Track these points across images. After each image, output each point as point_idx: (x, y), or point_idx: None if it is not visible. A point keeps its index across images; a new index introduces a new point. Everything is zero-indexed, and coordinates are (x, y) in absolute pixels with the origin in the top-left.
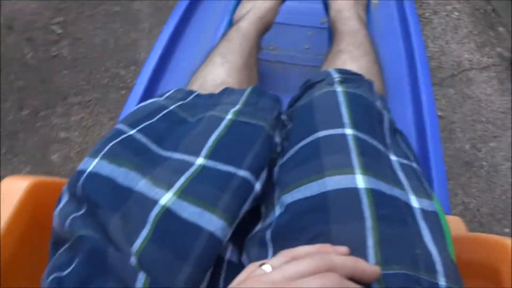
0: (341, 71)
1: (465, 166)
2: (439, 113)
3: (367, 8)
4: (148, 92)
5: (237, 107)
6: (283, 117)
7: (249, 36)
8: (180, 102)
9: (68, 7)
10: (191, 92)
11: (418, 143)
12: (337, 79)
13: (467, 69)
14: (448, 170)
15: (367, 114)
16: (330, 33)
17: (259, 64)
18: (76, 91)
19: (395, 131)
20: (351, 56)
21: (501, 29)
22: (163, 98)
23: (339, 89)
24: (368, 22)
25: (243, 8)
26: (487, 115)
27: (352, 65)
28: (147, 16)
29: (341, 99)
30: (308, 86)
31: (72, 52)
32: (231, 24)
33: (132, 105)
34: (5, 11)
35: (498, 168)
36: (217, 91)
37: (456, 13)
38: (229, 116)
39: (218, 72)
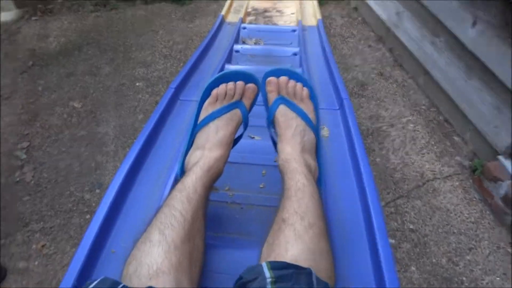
0: (275, 266)
1: (445, 282)
2: (410, 226)
3: (317, 146)
4: (113, 211)
5: None
6: None
7: (194, 196)
8: None
9: (33, 132)
10: (116, 284)
11: None
12: (269, 280)
13: (431, 179)
14: (428, 287)
15: None
16: None
17: (214, 206)
18: (38, 218)
19: None
20: (294, 234)
21: (456, 138)
22: None
23: None
24: (318, 158)
25: (193, 156)
26: (458, 226)
27: (294, 247)
28: (112, 139)
29: None
30: (241, 284)
31: (36, 177)
32: (182, 169)
33: (94, 225)
34: None
35: (478, 283)
36: (148, 283)
37: (411, 125)
38: None
39: (154, 254)
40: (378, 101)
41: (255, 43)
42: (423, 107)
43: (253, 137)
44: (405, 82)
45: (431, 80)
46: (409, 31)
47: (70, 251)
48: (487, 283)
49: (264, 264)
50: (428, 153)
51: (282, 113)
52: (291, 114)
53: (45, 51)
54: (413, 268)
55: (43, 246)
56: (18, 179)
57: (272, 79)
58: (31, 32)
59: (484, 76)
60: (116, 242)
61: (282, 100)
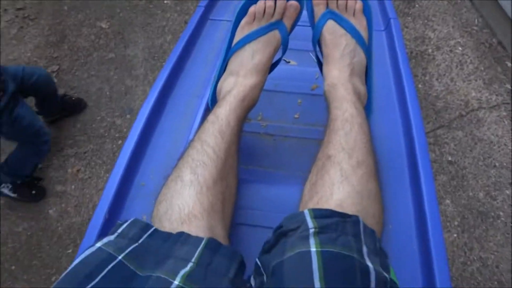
0: (318, 214)
1: (480, 216)
2: (449, 158)
3: (368, 68)
4: (141, 144)
5: (188, 267)
6: (258, 263)
7: (227, 130)
8: (131, 247)
9: (62, 55)
10: (147, 228)
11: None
12: (312, 230)
13: (476, 109)
14: (462, 221)
15: (347, 281)
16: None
17: (246, 137)
18: (72, 143)
19: (385, 285)
20: (341, 174)
21: (509, 64)
22: (114, 236)
23: (313, 248)
24: (368, 81)
25: (226, 82)
26: (500, 159)
27: (341, 189)
28: (141, 62)
29: (315, 266)
30: (282, 233)
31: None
32: (214, 95)
33: (123, 158)
34: (1, 60)
35: None
36: (179, 228)
37: (460, 48)
38: (177, 281)
39: (186, 196)
40: (426, 21)
41: None
42: (475, 27)
43: (289, 62)
44: None
45: None
46: None
47: (104, 176)
48: None
49: (306, 212)
50: (476, 80)
51: (330, 29)
52: (340, 31)
53: None
54: (447, 201)
55: (78, 170)
56: None
57: None
58: None
59: None
60: (145, 174)
61: (331, 14)
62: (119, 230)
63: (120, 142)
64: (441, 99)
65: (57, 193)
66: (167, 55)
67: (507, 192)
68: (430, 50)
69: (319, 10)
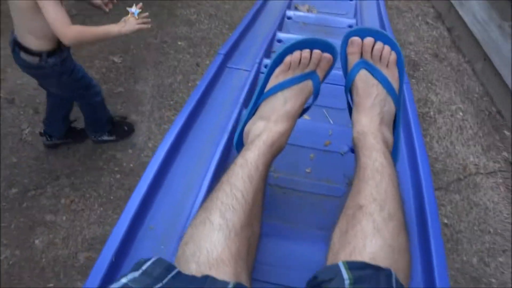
0: (353, 266)
1: (473, 282)
2: (445, 221)
3: (396, 118)
4: (154, 186)
5: None
6: None
7: (255, 175)
8: (156, 286)
9: None
10: (171, 268)
11: None
12: (347, 282)
13: (473, 174)
14: (454, 285)
15: None
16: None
17: None
18: (69, 172)
19: None
20: (373, 226)
21: (507, 133)
22: (139, 273)
23: None
24: (395, 131)
25: (255, 126)
26: (495, 225)
27: (373, 242)
28: (149, 99)
29: None
30: (316, 285)
31: None
32: (240, 137)
33: (135, 200)
34: (8, 85)
35: (507, 286)
36: (207, 271)
37: (460, 113)
38: None
39: (214, 240)
40: (429, 84)
41: (308, 11)
42: (476, 95)
43: (303, 116)
44: (461, 66)
45: (490, 67)
46: (475, 11)
47: (98, 209)
48: None
49: (341, 264)
50: (475, 146)
51: (363, 79)
52: (372, 81)
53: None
54: None
55: (71, 201)
56: None
57: (355, 39)
58: None
59: None
60: (155, 218)
61: (364, 64)
62: (144, 267)
63: (118, 176)
64: (440, 161)
65: (46, 223)
66: (176, 94)
67: (500, 259)
68: (432, 113)
69: (353, 59)
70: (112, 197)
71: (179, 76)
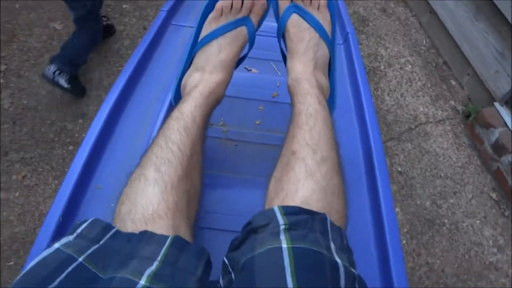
0: (287, 211)
1: (427, 223)
2: (398, 169)
3: (331, 62)
4: (98, 146)
5: (154, 266)
6: (225, 261)
7: (192, 127)
8: (92, 249)
9: (10, 54)
10: (108, 228)
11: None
12: (282, 227)
13: (423, 123)
14: (410, 228)
15: (318, 277)
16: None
17: (208, 142)
18: (18, 147)
19: (354, 280)
20: (306, 170)
21: (453, 82)
22: (73, 236)
23: (284, 244)
24: (331, 75)
25: (191, 78)
26: (446, 170)
27: (305, 186)
28: (96, 66)
29: (287, 262)
30: (251, 230)
31: (15, 104)
32: (178, 91)
33: (79, 160)
34: None
35: (459, 225)
36: (143, 228)
37: (409, 66)
38: (143, 281)
39: (150, 194)
40: (378, 39)
41: None
42: (423, 47)
43: (250, 70)
44: (408, 20)
45: (436, 19)
46: None
47: (52, 183)
48: (467, 226)
49: (276, 209)
50: (424, 96)
51: (294, 23)
52: (304, 25)
53: None
54: (397, 210)
55: (23, 177)
56: None
57: None
58: None
59: (493, 18)
60: (102, 177)
61: (296, 8)
62: (79, 230)
63: (71, 147)
64: (391, 113)
65: None
66: (124, 60)
67: (451, 201)
68: (382, 67)
69: (284, 4)
70: (66, 170)
71: (126, 40)
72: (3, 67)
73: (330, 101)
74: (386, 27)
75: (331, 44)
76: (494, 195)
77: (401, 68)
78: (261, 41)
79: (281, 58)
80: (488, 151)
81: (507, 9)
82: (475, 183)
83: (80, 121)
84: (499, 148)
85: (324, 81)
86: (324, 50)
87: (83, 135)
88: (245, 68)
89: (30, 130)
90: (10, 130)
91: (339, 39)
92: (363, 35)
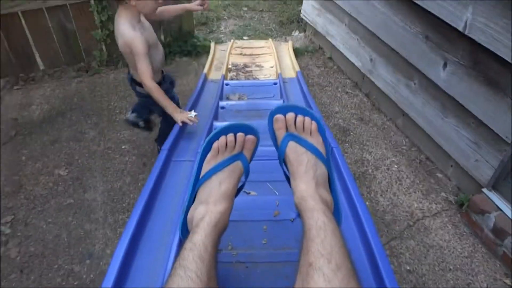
0: None
1: None
2: (407, 267)
3: (330, 179)
4: (118, 282)
5: None
6: None
7: (205, 255)
8: None
9: (17, 204)
10: None
11: None
12: None
13: (421, 218)
14: None
15: None
16: (285, 224)
17: (219, 268)
18: None
19: None
20: (324, 279)
21: (439, 175)
22: None
23: None
24: (332, 190)
25: (197, 211)
26: (453, 262)
27: None
28: (100, 205)
29: None
30: None
31: (22, 252)
32: (184, 225)
33: None
34: None
35: None
36: None
37: (395, 166)
38: None
39: None
40: (361, 145)
41: (239, 99)
42: (404, 147)
43: (249, 193)
44: (385, 124)
45: (409, 121)
46: (384, 76)
47: None
48: None
49: None
50: (415, 192)
51: (292, 149)
52: (301, 150)
53: (28, 119)
54: None
55: None
56: (2, 255)
57: (279, 116)
58: (14, 102)
59: (460, 114)
60: None
61: (291, 136)
62: None
63: None
64: (388, 212)
65: None
66: (127, 196)
67: None
68: (370, 170)
69: (280, 134)
70: None
71: (128, 178)
72: (9, 218)
73: (336, 213)
74: (366, 134)
75: (327, 162)
76: (508, 281)
77: (388, 169)
78: (256, 165)
79: (276, 178)
80: (489, 237)
81: (469, 104)
82: (486, 271)
83: (87, 261)
84: (499, 232)
85: (327, 195)
86: (322, 169)
87: (91, 275)
88: (245, 191)
89: (38, 277)
90: (18, 279)
91: None
92: (347, 144)
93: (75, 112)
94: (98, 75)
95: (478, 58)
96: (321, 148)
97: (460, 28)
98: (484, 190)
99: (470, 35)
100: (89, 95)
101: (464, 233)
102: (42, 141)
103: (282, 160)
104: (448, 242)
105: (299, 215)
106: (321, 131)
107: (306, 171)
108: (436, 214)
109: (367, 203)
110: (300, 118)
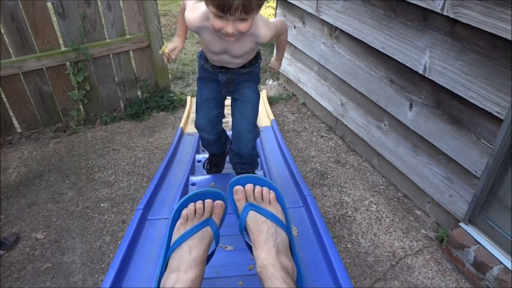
0: None
1: None
2: None
3: (291, 244)
4: None
5: None
6: None
7: None
8: None
9: None
10: None
11: None
12: None
13: (403, 257)
14: None
15: None
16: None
17: None
18: None
19: None
20: None
21: (418, 212)
22: None
23: None
24: (294, 256)
25: (168, 280)
26: None
27: None
28: (79, 268)
29: None
30: None
31: None
32: None
33: None
34: None
35: None
36: None
37: (374, 206)
38: None
39: None
40: (339, 188)
41: None
42: (382, 186)
43: (225, 247)
44: (361, 165)
45: (384, 160)
46: (355, 119)
47: None
48: None
49: None
50: (395, 231)
51: (252, 219)
52: (261, 218)
53: (5, 183)
54: None
55: None
56: None
57: (238, 188)
58: None
59: (430, 151)
60: None
61: (251, 206)
62: None
63: None
64: (370, 254)
65: None
66: (107, 256)
67: None
68: (350, 212)
69: (241, 204)
70: None
71: (107, 237)
72: None
73: (298, 279)
74: (343, 176)
75: (287, 229)
76: None
77: (367, 209)
78: (232, 219)
79: None
80: (471, 271)
81: (437, 142)
82: None
83: None
84: (480, 266)
85: (288, 262)
86: (282, 236)
87: None
88: (220, 246)
89: None
90: None
91: (299, 202)
92: (325, 187)
93: (53, 173)
94: (76, 134)
95: (440, 98)
96: (280, 215)
97: (421, 71)
98: (461, 224)
99: (430, 77)
100: (67, 155)
101: (447, 269)
102: (19, 205)
103: (243, 229)
104: (432, 280)
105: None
106: (279, 199)
107: (266, 239)
108: (418, 252)
109: (349, 245)
110: (258, 188)
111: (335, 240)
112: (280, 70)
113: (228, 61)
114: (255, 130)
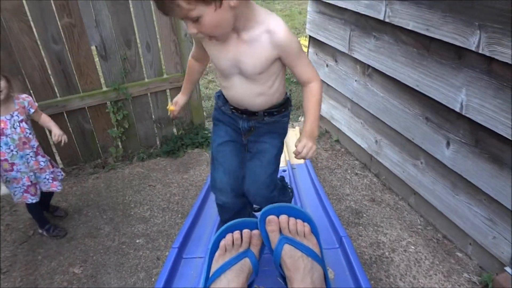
0: None
1: None
2: None
3: (326, 278)
4: None
5: None
6: None
7: None
8: None
9: None
10: None
11: None
12: None
13: None
14: None
15: None
16: None
17: None
18: None
19: None
20: None
21: (459, 254)
22: None
23: None
24: None
25: None
26: None
27: None
28: None
29: None
30: None
31: None
32: None
33: None
34: None
35: None
36: None
37: (412, 247)
38: None
39: None
40: (375, 227)
41: None
42: (420, 226)
43: None
44: (397, 204)
45: (421, 199)
46: (390, 157)
47: None
48: None
49: None
50: (436, 274)
51: (288, 254)
52: (297, 254)
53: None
54: None
55: None
56: None
57: (272, 218)
58: None
59: (470, 191)
60: None
61: (286, 239)
62: None
63: None
64: None
65: None
66: None
67: None
68: (387, 253)
69: (275, 237)
70: None
71: (142, 273)
72: None
73: None
74: (379, 215)
75: (322, 262)
76: None
77: (405, 250)
78: (267, 259)
79: None
80: None
81: (477, 181)
82: None
83: None
84: None
85: None
86: (319, 271)
87: None
88: (256, 287)
89: None
90: None
91: (334, 243)
92: (360, 226)
93: (91, 208)
94: (114, 170)
95: (479, 136)
96: (316, 249)
97: (457, 109)
98: (507, 268)
99: (468, 115)
100: (104, 191)
101: None
102: (58, 240)
103: (279, 265)
104: None
105: None
106: (314, 232)
107: (303, 277)
108: None
109: None
110: (293, 220)
111: (372, 282)
112: None
113: (247, 98)
114: (272, 193)
